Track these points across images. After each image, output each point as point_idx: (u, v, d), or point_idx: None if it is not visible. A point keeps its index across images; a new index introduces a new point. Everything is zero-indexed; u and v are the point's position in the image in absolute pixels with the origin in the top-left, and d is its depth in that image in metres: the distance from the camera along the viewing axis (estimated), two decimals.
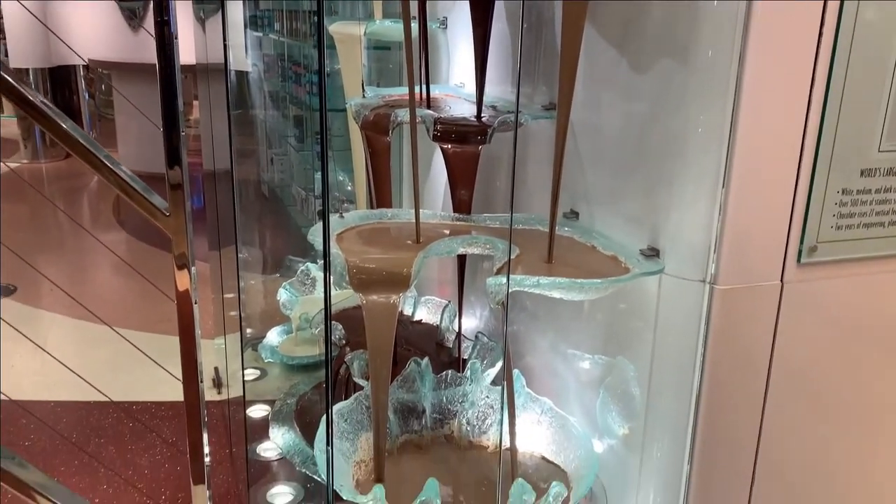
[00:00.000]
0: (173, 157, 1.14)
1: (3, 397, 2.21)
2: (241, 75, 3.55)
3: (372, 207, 1.80)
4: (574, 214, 1.48)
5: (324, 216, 1.07)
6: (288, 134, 3.80)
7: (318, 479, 1.63)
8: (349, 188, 2.58)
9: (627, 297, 1.32)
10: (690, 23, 1.12)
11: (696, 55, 1.12)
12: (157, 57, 1.10)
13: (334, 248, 1.26)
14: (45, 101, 1.12)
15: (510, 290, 1.16)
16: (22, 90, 1.10)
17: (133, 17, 7.06)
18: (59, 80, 6.85)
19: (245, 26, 3.77)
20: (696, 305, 1.16)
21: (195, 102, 2.31)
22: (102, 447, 2.00)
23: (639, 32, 1.26)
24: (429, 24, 1.94)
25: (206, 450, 1.28)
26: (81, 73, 7.08)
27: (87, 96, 7.28)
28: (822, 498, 1.36)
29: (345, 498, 1.26)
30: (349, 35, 1.98)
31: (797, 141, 1.11)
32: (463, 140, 1.53)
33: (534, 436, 1.50)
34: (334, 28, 2.04)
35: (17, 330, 1.44)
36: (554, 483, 1.25)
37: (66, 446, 2.00)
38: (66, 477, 1.57)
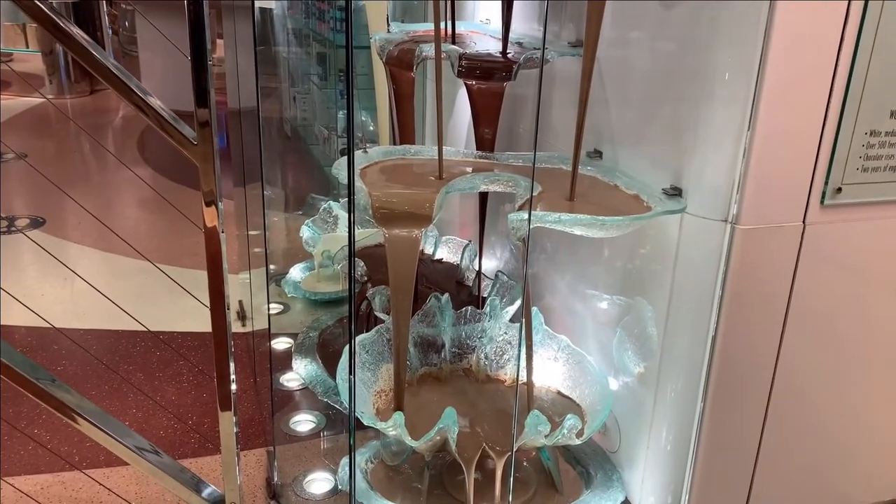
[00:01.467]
0: (201, 95, 1.15)
1: (34, 322, 2.28)
2: (265, 12, 3.51)
3: (395, 144, 1.80)
4: (598, 154, 1.48)
5: (349, 148, 1.08)
6: (311, 72, 3.77)
7: (340, 408, 1.68)
8: (371, 128, 2.57)
9: (648, 236, 1.33)
10: None
11: None
12: None
13: (358, 182, 1.28)
14: (80, 32, 1.13)
15: (532, 227, 1.17)
16: (59, 21, 1.11)
17: None
18: (83, 15, 6.82)
19: None
20: (716, 245, 1.17)
21: (219, 41, 2.29)
22: (131, 374, 2.06)
23: None
24: None
25: (233, 377, 1.31)
26: (105, 8, 7.03)
27: (110, 32, 7.24)
28: (833, 441, 1.38)
29: (366, 423, 1.31)
30: None
31: (827, 80, 1.10)
32: (488, 76, 1.52)
33: (550, 371, 1.53)
34: None
35: (52, 256, 1.47)
36: (569, 416, 1.29)
37: (96, 372, 2.06)
38: (96, 400, 1.63)
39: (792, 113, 1.11)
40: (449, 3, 1.72)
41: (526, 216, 1.16)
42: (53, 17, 1.08)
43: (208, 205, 1.22)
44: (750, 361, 1.24)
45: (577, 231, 1.20)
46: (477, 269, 1.95)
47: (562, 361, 1.52)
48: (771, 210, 1.14)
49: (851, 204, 1.17)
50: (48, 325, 2.23)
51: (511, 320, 1.59)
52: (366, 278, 1.89)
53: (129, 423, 1.84)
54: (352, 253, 1.20)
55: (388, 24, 1.88)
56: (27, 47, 7.41)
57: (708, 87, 1.15)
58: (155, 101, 1.17)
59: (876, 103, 1.11)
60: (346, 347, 1.32)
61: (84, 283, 2.06)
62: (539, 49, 1.50)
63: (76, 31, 1.10)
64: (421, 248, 2.23)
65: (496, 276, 1.80)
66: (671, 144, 1.26)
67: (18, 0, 1.05)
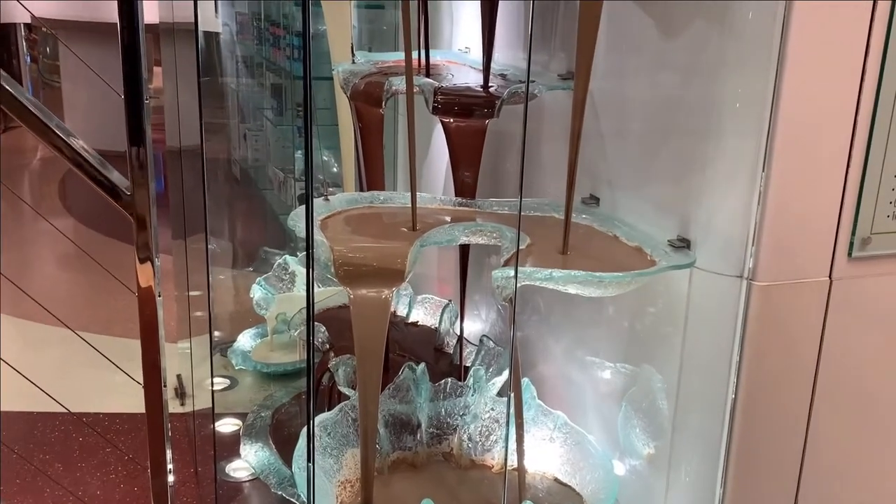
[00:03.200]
0: (136, 133, 1.17)
1: None
2: (210, 37, 3.58)
3: (362, 190, 1.83)
4: (594, 200, 1.51)
5: (307, 196, 1.10)
6: (264, 106, 3.83)
7: (296, 503, 1.67)
8: (335, 170, 2.61)
9: (654, 294, 1.35)
10: None
11: (735, 16, 1.15)
12: (119, 14, 1.12)
13: (318, 236, 1.30)
14: None
15: (519, 285, 1.20)
16: None
17: None
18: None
19: None
20: (732, 304, 1.19)
21: (156, 69, 2.33)
22: (48, 464, 2.03)
23: None
24: None
25: (170, 467, 1.31)
26: (22, 32, 7.10)
27: (28, 59, 7.31)
28: None
29: None
30: None
31: (849, 116, 1.14)
32: (467, 113, 1.56)
33: (545, 454, 1.53)
34: None
35: None
36: None
37: (5, 462, 2.03)
38: (6, 497, 1.61)
39: (812, 152, 1.15)
40: (423, 29, 1.77)
41: (512, 273, 1.18)
42: None
43: (142, 262, 1.23)
44: (776, 436, 1.26)
45: (572, 290, 1.22)
46: (459, 333, 1.96)
47: (559, 442, 1.53)
48: (792, 264, 1.17)
49: (883, 255, 1.20)
50: None
51: (499, 394, 1.60)
52: (328, 346, 1.89)
53: None
54: (311, 317, 1.21)
55: (353, 54, 1.93)
56: None
57: (715, 121, 1.19)
58: (78, 143, 1.18)
59: None
60: (304, 430, 1.32)
61: None
62: (525, 82, 1.54)
63: None
64: (393, 310, 2.25)
65: (481, 341, 1.81)
66: (676, 188, 1.29)
67: None
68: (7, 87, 1.12)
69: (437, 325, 2.11)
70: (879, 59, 1.13)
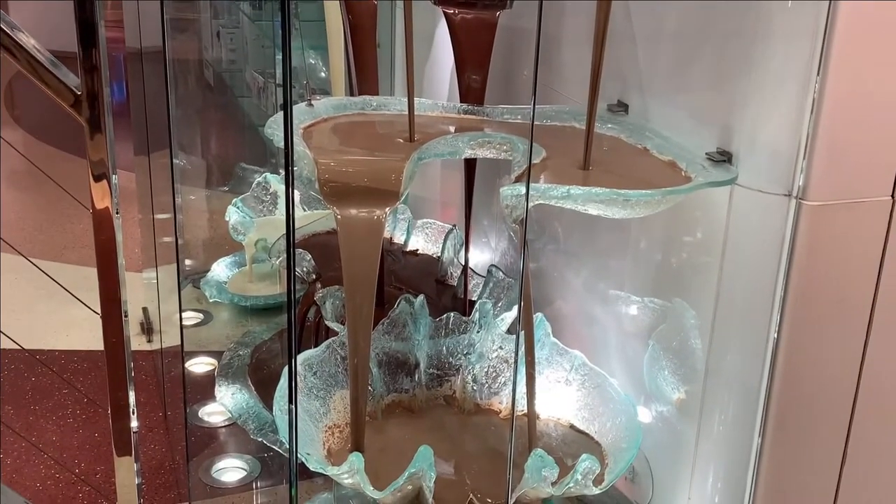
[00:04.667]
0: (87, 31, 1.16)
1: None
2: None
3: (352, 95, 1.82)
4: (622, 107, 1.50)
5: (285, 98, 1.09)
6: None
7: (279, 450, 1.70)
8: (322, 75, 2.58)
9: (688, 217, 1.35)
10: None
11: None
12: None
13: (300, 146, 1.29)
14: None
15: (532, 204, 1.19)
16: None
17: None
18: None
19: None
20: (777, 227, 1.19)
21: None
22: None
23: None
24: None
25: (134, 411, 1.33)
26: None
27: None
28: None
29: (313, 469, 1.32)
30: None
31: None
32: (474, 3, 1.54)
33: (560, 399, 1.55)
34: None
35: None
36: (584, 456, 1.31)
37: None
38: None
39: (875, 54, 1.13)
40: None
41: (524, 190, 1.18)
42: None
43: (97, 179, 1.23)
44: (824, 379, 1.27)
45: (593, 210, 1.22)
46: (463, 262, 1.97)
47: (575, 385, 1.55)
48: (849, 181, 1.17)
49: None
50: None
51: (508, 331, 1.61)
52: (314, 276, 1.90)
53: None
54: (291, 242, 1.21)
55: None
56: None
57: (765, 17, 1.17)
58: (27, 40, 1.17)
59: None
60: (286, 369, 1.33)
61: None
62: None
63: None
64: (388, 236, 2.25)
65: (489, 272, 1.82)
66: (717, 94, 1.28)
67: None
68: None
69: (439, 254, 2.11)
70: None
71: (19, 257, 2.51)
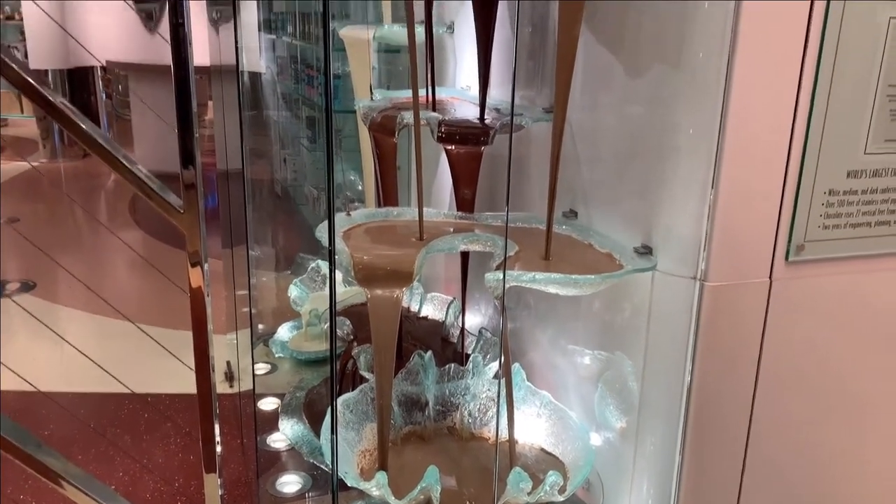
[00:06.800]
0: (187, 157, 1.19)
1: (22, 387, 2.28)
2: (255, 77, 3.60)
3: (380, 206, 1.85)
4: (573, 213, 1.52)
5: (329, 212, 1.12)
6: (300, 135, 3.85)
7: (324, 468, 1.68)
8: (360, 188, 2.62)
9: (623, 293, 1.36)
10: (681, 27, 1.16)
11: (687, 58, 1.16)
12: (172, 58, 1.14)
13: (340, 244, 1.31)
14: (64, 101, 1.17)
15: (508, 286, 1.21)
16: (43, 91, 1.15)
17: (149, 19, 7.14)
18: (78, 80, 6.95)
19: (259, 29, 3.82)
20: (687, 302, 1.20)
21: (210, 103, 2.36)
22: (118, 437, 2.06)
23: (633, 38, 1.30)
24: (436, 28, 1.98)
25: (218, 439, 1.32)
26: (99, 73, 7.17)
27: (104, 96, 7.37)
28: (810, 489, 1.40)
29: (349, 484, 1.31)
30: (358, 39, 2.02)
31: (784, 142, 1.15)
32: (465, 141, 1.57)
33: (533, 428, 1.54)
34: (344, 32, 2.09)
35: (40, 321, 1.49)
36: (551, 472, 1.30)
37: (83, 436, 2.06)
38: (83, 465, 1.62)
39: (753, 172, 1.15)
40: (429, 70, 1.79)
41: (501, 276, 1.19)
42: (37, 85, 1.12)
43: (193, 266, 1.25)
44: (725, 413, 1.27)
45: (553, 289, 1.24)
46: (461, 326, 1.97)
47: (544, 418, 1.54)
48: (738, 266, 1.18)
49: (815, 260, 1.21)
50: (36, 390, 2.24)
51: (494, 377, 1.61)
52: (352, 337, 1.90)
53: (116, 486, 1.84)
54: (333, 315, 1.23)
55: (372, 92, 1.94)
56: (22, 113, 7.53)
57: (673, 145, 1.20)
58: (140, 170, 1.20)
59: (832, 164, 1.16)
60: (330, 408, 1.33)
61: (74, 346, 2.07)
62: (516, 114, 1.55)
63: (59, 100, 1.15)
64: (407, 306, 2.26)
65: (480, 332, 1.82)
66: (640, 203, 1.30)
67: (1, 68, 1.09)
68: (79, 123, 1.15)
69: (443, 319, 2.12)
70: (809, 96, 1.13)
71: (137, 324, 2.54)
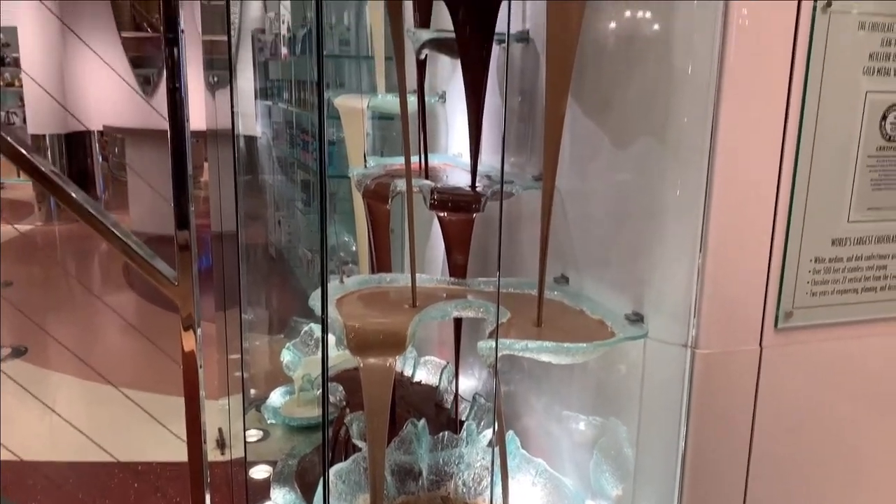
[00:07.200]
0: (182, 220, 1.20)
1: (9, 457, 2.24)
2: (251, 141, 3.66)
3: (373, 270, 1.86)
4: (564, 279, 1.53)
5: (321, 282, 1.13)
6: (295, 198, 3.89)
7: None
8: (354, 249, 2.64)
9: (616, 359, 1.36)
10: (665, 96, 1.19)
11: (672, 127, 1.19)
12: (169, 122, 1.17)
13: (333, 313, 1.32)
14: (53, 169, 1.19)
15: (502, 354, 1.21)
16: (31, 158, 1.17)
17: (147, 84, 7.28)
18: (75, 143, 7.04)
19: (256, 97, 3.90)
20: (679, 368, 1.20)
21: (206, 164, 2.39)
22: None
23: (618, 109, 1.34)
24: (428, 98, 2.03)
25: None
26: (96, 136, 7.27)
27: (100, 159, 7.46)
28: None
29: None
30: (352, 108, 2.07)
31: (769, 211, 1.17)
32: (457, 209, 1.59)
33: (529, 497, 1.52)
34: (339, 101, 2.14)
35: (26, 390, 1.48)
36: None
37: None
38: None
39: (740, 241, 1.17)
40: (422, 139, 1.83)
41: (494, 344, 1.20)
42: (28, 155, 1.14)
43: (186, 329, 1.25)
44: (721, 479, 1.26)
45: (545, 358, 1.24)
46: (454, 391, 1.96)
47: (539, 486, 1.52)
48: (728, 334, 1.19)
49: (804, 327, 1.22)
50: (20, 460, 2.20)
51: (489, 444, 1.59)
52: (344, 403, 1.89)
53: None
54: (325, 384, 1.22)
55: (366, 159, 1.98)
56: (19, 177, 7.59)
57: (660, 215, 1.22)
58: (132, 240, 1.21)
59: (818, 232, 1.18)
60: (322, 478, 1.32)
61: (65, 413, 2.05)
62: (507, 182, 1.58)
63: (49, 168, 1.16)
64: (400, 371, 2.25)
65: (474, 398, 1.81)
66: (630, 269, 1.32)
67: None
68: (73, 195, 1.16)
69: (437, 384, 2.11)
70: (792, 167, 1.16)
71: (129, 389, 2.51)
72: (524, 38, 1.65)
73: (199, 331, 1.27)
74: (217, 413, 2.48)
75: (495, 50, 1.55)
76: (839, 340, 1.25)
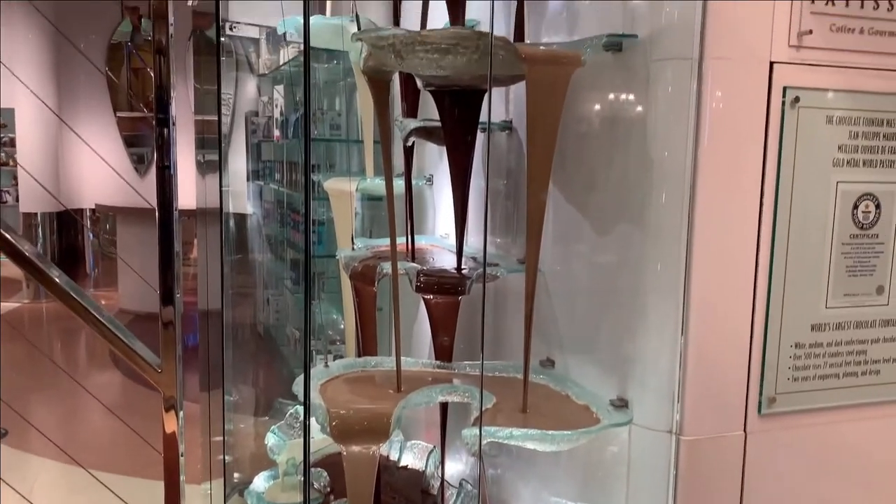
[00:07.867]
0: (167, 296, 1.21)
1: None
2: (241, 220, 3.69)
3: (359, 351, 1.85)
4: (550, 362, 1.53)
5: (305, 373, 1.13)
6: (284, 276, 3.90)
7: None
8: (342, 327, 2.63)
9: (602, 444, 1.35)
10: (642, 185, 1.22)
11: (650, 216, 1.22)
12: (157, 199, 1.18)
13: (317, 399, 1.31)
14: (36, 251, 1.20)
15: (487, 440, 1.20)
16: (13, 241, 1.18)
17: (140, 163, 7.38)
18: (67, 221, 7.08)
19: (248, 179, 3.96)
20: (664, 454, 1.19)
21: (196, 241, 2.40)
22: None
23: (599, 197, 1.37)
24: (415, 181, 2.07)
25: None
26: (88, 214, 7.32)
27: (91, 236, 7.49)
28: None
29: None
30: (341, 191, 2.10)
31: (748, 295, 1.19)
32: (442, 291, 1.60)
33: None
34: (328, 185, 2.17)
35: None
36: None
37: None
38: None
39: (721, 326, 1.18)
40: (409, 222, 1.85)
41: (478, 431, 1.19)
42: (13, 240, 1.15)
43: (168, 410, 1.24)
44: None
45: (530, 445, 1.23)
46: (440, 477, 1.92)
47: None
48: (712, 421, 1.19)
49: (787, 412, 1.22)
50: None
51: None
52: (329, 489, 1.86)
53: None
54: (307, 470, 1.20)
55: (353, 241, 2.00)
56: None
57: (640, 299, 1.24)
58: (115, 326, 1.21)
59: (797, 318, 1.20)
60: None
61: (44, 499, 1.99)
62: (491, 265, 1.60)
63: (35, 253, 1.17)
64: (386, 454, 2.21)
65: (460, 484, 1.78)
66: (615, 355, 1.32)
67: None
68: (52, 276, 1.17)
69: (423, 469, 2.07)
70: (769, 252, 1.19)
71: (105, 474, 2.45)
72: (507, 126, 1.70)
73: (181, 413, 1.26)
74: (199, 498, 2.41)
75: (480, 136, 1.59)
76: (824, 425, 1.25)
